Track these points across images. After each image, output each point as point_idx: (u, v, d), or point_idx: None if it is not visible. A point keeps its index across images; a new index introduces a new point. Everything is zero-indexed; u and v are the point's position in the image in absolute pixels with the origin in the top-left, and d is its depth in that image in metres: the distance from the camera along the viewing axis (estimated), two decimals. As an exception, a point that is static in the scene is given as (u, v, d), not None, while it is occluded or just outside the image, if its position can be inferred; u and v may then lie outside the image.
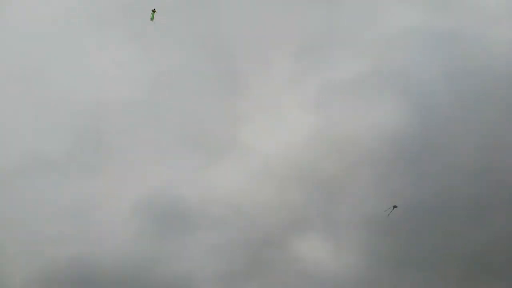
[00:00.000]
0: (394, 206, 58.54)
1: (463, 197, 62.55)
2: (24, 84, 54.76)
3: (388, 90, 66.26)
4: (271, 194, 64.43)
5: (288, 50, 63.96)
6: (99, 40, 57.48)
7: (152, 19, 50.31)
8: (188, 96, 59.73)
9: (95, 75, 57.64)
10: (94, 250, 53.51)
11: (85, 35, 55.97)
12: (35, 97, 55.16)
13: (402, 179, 65.11)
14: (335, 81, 66.35)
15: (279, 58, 64.45)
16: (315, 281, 63.38)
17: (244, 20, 61.33)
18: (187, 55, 59.47)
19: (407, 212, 62.61)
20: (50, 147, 55.57)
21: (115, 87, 58.13)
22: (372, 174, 66.10)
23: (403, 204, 61.65)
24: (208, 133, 61.01)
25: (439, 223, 62.68)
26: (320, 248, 66.26)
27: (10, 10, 53.58)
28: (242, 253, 62.74)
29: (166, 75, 59.21)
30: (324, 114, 67.14)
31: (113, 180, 57.13)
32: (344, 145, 67.80)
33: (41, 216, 52.78)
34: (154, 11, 50.58)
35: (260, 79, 64.02)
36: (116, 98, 57.99)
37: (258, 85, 64.02)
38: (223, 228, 61.64)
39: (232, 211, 62.64)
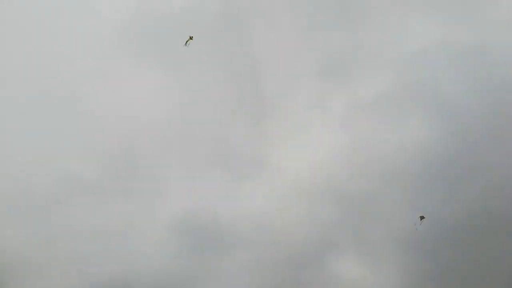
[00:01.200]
0: (422, 217, 58.09)
1: (498, 215, 61.70)
2: (62, 110, 57.18)
3: (414, 106, 66.78)
4: (302, 212, 64.96)
5: (313, 70, 65.59)
6: (133, 65, 59.92)
7: (187, 44, 51.76)
8: (218, 118, 61.53)
9: (129, 100, 59.94)
10: (132, 268, 54.80)
11: (119, 61, 58.43)
12: (72, 123, 57.56)
13: (433, 196, 64.77)
14: (361, 99, 67.51)
15: (305, 78, 66.13)
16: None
17: (270, 43, 63.40)
18: (217, 79, 61.55)
19: (442, 230, 62.13)
20: (88, 172, 57.51)
21: (148, 111, 60.37)
22: (403, 191, 65.89)
23: (437, 222, 61.28)
24: (238, 153, 62.57)
25: (475, 241, 61.75)
26: (355, 267, 65.95)
27: (49, 35, 56.24)
28: (275, 271, 62.98)
29: (196, 99, 61.32)
30: (352, 132, 68.01)
31: (148, 201, 58.83)
32: (373, 162, 68.12)
33: (81, 237, 54.55)
34: (191, 38, 51.95)
35: (287, 100, 65.66)
36: (149, 121, 60.19)
37: (285, 106, 65.63)
38: (256, 247, 62.37)
39: (264, 230, 63.34)
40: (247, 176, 62.06)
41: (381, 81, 66.74)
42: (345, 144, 67.57)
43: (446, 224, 62.99)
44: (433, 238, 63.00)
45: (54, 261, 52.21)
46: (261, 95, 63.64)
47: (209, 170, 60.86)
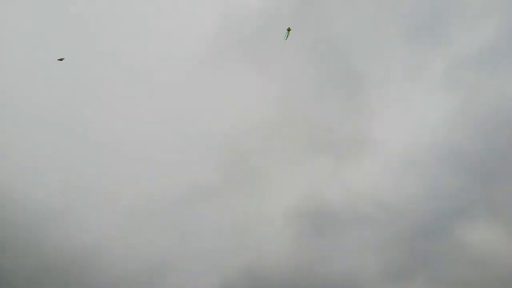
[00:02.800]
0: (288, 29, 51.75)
1: None
2: (176, 124, 64.50)
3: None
4: (416, 184, 63.17)
5: (401, 38, 63.92)
6: (228, 74, 65.03)
7: (286, 37, 51.30)
8: (314, 104, 63.71)
9: (231, 107, 65.19)
10: (258, 258, 59.43)
11: (216, 73, 64.14)
12: (188, 134, 64.40)
13: None
14: (461, 55, 63.74)
15: (395, 47, 64.66)
16: (489, 267, 59.48)
17: (352, 21, 63.68)
18: (307, 67, 63.73)
19: None
20: (209, 178, 63.91)
21: (249, 113, 64.92)
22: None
23: None
24: (340, 134, 63.58)
25: None
26: (489, 234, 62.12)
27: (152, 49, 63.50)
28: (400, 248, 62.19)
29: (290, 90, 64.36)
30: (459, 92, 64.34)
31: (263, 195, 63.15)
32: (491, 120, 63.61)
33: (209, 235, 61.00)
34: (289, 29, 51.31)
35: (380, 74, 64.94)
36: (252, 122, 64.72)
37: (379, 80, 64.92)
38: (376, 224, 62.29)
39: (379, 207, 62.96)
40: (352, 155, 62.89)
41: (478, 31, 62.26)
42: (454, 106, 64.25)
43: None
44: None
45: (189, 259, 59.43)
46: (353, 72, 63.95)
47: (315, 155, 63.03)
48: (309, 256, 60.27)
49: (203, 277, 58.93)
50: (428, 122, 64.12)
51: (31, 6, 61.58)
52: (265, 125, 64.04)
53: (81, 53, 61.57)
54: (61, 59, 51.07)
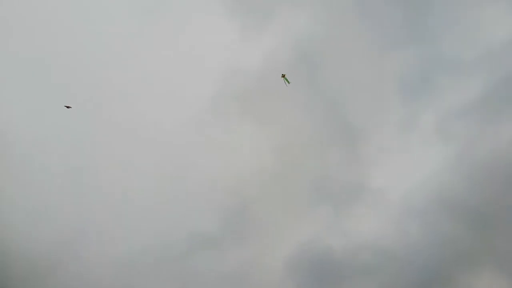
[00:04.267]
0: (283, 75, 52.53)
1: None
2: (177, 176, 65.74)
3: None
4: (417, 231, 63.39)
5: (395, 90, 66.78)
6: (230, 129, 67.62)
7: (287, 83, 53.75)
8: (313, 155, 65.48)
9: (232, 156, 66.90)
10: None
11: (219, 124, 66.53)
12: (189, 185, 65.51)
13: None
14: (452, 106, 66.30)
15: (389, 100, 67.41)
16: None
17: (346, 75, 66.94)
18: (305, 119, 66.21)
19: None
20: (209, 227, 64.38)
21: (249, 163, 66.56)
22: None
23: None
24: (337, 183, 64.73)
25: None
26: (492, 282, 61.64)
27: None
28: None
29: (290, 141, 66.38)
30: (452, 142, 66.20)
31: (263, 244, 63.29)
32: (485, 169, 64.89)
33: (209, 283, 60.66)
34: (283, 75, 53.71)
35: (375, 125, 67.17)
36: (252, 173, 66.10)
37: (375, 132, 67.04)
38: (376, 273, 61.95)
39: (382, 256, 62.74)
40: (351, 203, 63.68)
41: (468, 84, 65.20)
42: (449, 155, 65.78)
43: None
44: None
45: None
46: (349, 123, 66.34)
47: (314, 203, 63.93)
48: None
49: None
50: (425, 170, 65.35)
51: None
52: (264, 175, 65.56)
53: (84, 121, 64.34)
54: (68, 107, 53.48)
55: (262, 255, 62.66)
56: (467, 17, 66.03)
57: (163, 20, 67.90)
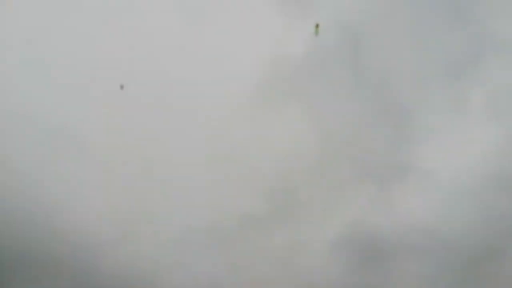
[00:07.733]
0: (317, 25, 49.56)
1: None
2: (228, 162, 67.45)
3: None
4: (467, 212, 62.68)
5: (443, 70, 66.33)
6: (274, 114, 68.74)
7: (317, 33, 53.38)
8: (358, 135, 65.75)
9: (279, 141, 67.94)
10: (308, 285, 59.63)
11: (266, 109, 67.70)
12: (239, 170, 66.87)
13: None
14: (502, 85, 65.24)
15: (437, 80, 66.99)
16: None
17: (393, 56, 66.98)
18: (351, 98, 66.64)
19: None
20: (258, 208, 65.71)
21: (294, 148, 67.42)
22: None
23: None
24: (385, 164, 64.82)
25: None
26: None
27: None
28: (454, 278, 60.99)
29: (334, 124, 66.91)
30: (503, 121, 65.17)
31: (311, 225, 64.15)
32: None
33: (257, 264, 62.03)
34: (317, 26, 53.09)
35: (424, 105, 66.82)
36: (298, 156, 67.02)
37: (423, 111, 66.67)
38: (424, 255, 61.89)
39: (430, 237, 62.55)
40: (398, 183, 63.60)
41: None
42: (501, 134, 64.72)
43: None
44: None
45: (240, 285, 60.55)
46: (396, 103, 66.17)
47: (360, 183, 64.27)
48: (356, 285, 60.08)
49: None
50: (475, 150, 64.50)
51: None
52: (310, 157, 66.23)
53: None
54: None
55: (309, 237, 63.51)
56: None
57: (210, 9, 69.89)
